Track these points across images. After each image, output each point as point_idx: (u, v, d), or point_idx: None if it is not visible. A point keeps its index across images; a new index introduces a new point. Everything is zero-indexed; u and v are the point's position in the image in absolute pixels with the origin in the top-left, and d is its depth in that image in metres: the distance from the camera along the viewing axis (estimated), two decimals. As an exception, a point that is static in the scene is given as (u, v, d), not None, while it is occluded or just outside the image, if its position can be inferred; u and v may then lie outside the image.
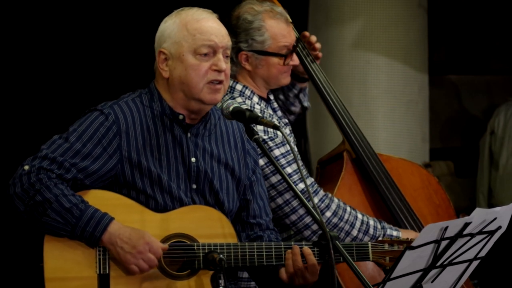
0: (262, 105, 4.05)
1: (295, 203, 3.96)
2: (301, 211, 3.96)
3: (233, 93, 4.04)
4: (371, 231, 4.06)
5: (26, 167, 3.29)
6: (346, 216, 4.03)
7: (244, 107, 3.92)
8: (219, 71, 3.43)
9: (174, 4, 3.56)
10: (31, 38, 5.68)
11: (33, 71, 5.70)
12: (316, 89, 4.34)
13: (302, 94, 4.47)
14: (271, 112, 4.09)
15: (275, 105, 4.22)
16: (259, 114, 3.57)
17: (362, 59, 6.38)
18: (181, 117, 3.48)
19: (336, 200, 4.05)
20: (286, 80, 4.12)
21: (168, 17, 3.50)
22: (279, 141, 3.95)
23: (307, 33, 4.34)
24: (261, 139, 3.85)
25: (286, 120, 4.22)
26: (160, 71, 3.48)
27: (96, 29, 5.82)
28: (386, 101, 6.41)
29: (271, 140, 3.94)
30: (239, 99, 4.00)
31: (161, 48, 3.46)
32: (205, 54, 3.42)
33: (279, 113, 4.21)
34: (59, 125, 3.53)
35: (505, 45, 8.14)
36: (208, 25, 3.45)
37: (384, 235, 4.08)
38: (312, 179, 4.08)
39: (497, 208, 3.23)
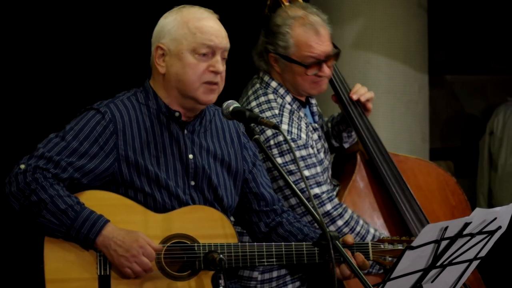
0: (294, 105, 4.05)
1: (299, 210, 3.95)
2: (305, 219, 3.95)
3: (267, 88, 4.05)
4: None
5: (22, 166, 3.29)
6: (357, 229, 4.01)
7: (274, 104, 3.94)
8: (216, 72, 3.42)
9: (170, 4, 3.56)
10: (28, 38, 5.69)
11: (29, 70, 5.70)
12: (332, 87, 4.32)
13: (346, 134, 4.41)
14: (302, 115, 4.08)
15: (315, 109, 4.19)
16: (259, 114, 3.57)
17: (362, 59, 6.37)
18: (177, 114, 3.48)
19: (350, 211, 4.03)
20: (316, 90, 4.09)
21: (169, 13, 3.50)
22: (302, 143, 3.95)
23: (353, 97, 4.31)
24: (282, 139, 3.85)
25: (317, 125, 4.18)
26: (156, 66, 3.47)
27: (92, 29, 5.82)
28: (386, 101, 6.39)
29: (293, 142, 3.94)
30: (271, 96, 4.01)
31: (159, 43, 3.45)
32: (204, 55, 3.42)
33: (317, 118, 4.19)
34: (56, 124, 3.53)
35: (505, 45, 8.13)
36: (210, 25, 3.45)
37: None
38: (329, 187, 4.05)
39: (497, 208, 3.23)
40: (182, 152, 3.49)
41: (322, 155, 4.10)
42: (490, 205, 7.44)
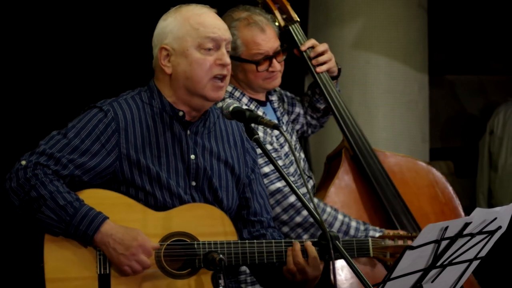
0: (251, 106, 4.13)
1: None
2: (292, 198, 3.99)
3: None
4: (351, 232, 4.07)
5: (23, 162, 3.30)
6: (324, 216, 4.04)
7: None
8: (224, 65, 3.44)
9: (173, 3, 3.57)
10: (33, 36, 5.69)
11: (33, 68, 5.71)
12: (316, 85, 4.36)
13: None
14: (260, 114, 4.12)
15: (276, 105, 4.25)
16: (259, 114, 3.59)
17: (362, 59, 6.38)
18: (181, 113, 3.49)
19: (315, 200, 4.07)
20: (271, 84, 4.19)
21: (167, 15, 3.51)
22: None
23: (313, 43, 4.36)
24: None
25: (281, 121, 4.26)
26: (162, 67, 3.47)
27: (96, 28, 5.83)
28: (386, 101, 6.40)
29: None
30: (228, 100, 4.03)
31: (163, 45, 3.46)
32: (209, 49, 3.43)
33: (278, 113, 4.25)
34: (59, 122, 3.53)
35: (505, 45, 8.14)
36: (210, 18, 3.47)
37: (366, 236, 4.07)
38: (293, 179, 4.07)
39: (497, 208, 3.23)
40: (184, 152, 3.49)
41: (286, 149, 4.13)
42: (490, 205, 7.44)
